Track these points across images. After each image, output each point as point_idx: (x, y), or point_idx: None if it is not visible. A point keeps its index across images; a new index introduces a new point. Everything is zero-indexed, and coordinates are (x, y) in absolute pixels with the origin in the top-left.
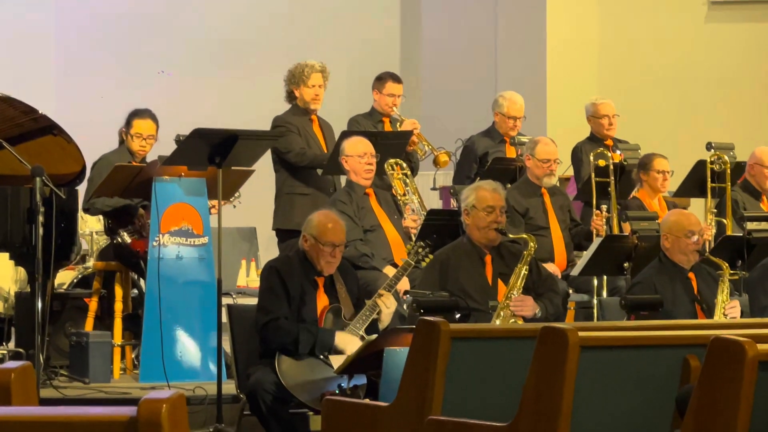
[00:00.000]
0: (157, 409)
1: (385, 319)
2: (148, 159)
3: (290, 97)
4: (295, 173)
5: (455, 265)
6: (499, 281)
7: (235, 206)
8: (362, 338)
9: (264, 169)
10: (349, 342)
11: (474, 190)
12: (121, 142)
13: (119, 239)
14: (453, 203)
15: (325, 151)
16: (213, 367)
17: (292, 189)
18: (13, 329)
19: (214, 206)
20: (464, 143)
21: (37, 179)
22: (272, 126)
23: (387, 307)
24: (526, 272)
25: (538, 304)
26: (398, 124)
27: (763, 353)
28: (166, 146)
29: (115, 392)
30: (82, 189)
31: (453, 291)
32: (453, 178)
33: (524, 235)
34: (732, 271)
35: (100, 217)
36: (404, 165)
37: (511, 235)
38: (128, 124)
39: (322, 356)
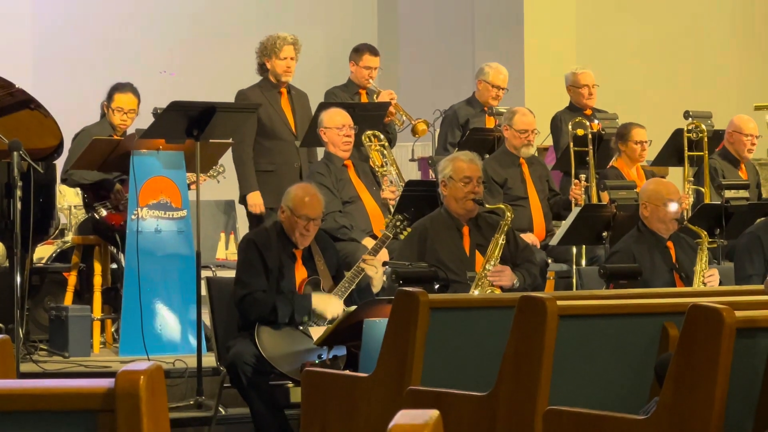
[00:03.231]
0: (134, 380)
1: (378, 283)
2: (129, 133)
3: (262, 69)
4: (259, 149)
5: (433, 237)
6: (477, 252)
7: (219, 181)
8: (340, 300)
9: None
10: (327, 302)
11: (451, 161)
12: (103, 115)
13: (95, 214)
14: (431, 174)
15: (292, 125)
16: (193, 340)
17: (257, 166)
18: None
19: (194, 183)
20: (444, 112)
21: (15, 154)
22: (235, 100)
23: (376, 270)
24: (503, 242)
25: (515, 275)
26: (375, 95)
27: (741, 320)
28: (144, 119)
29: (95, 366)
30: (60, 163)
31: (431, 262)
32: (435, 148)
33: (501, 205)
34: (710, 240)
35: (78, 191)
36: (382, 136)
37: (488, 206)
38: (110, 97)
39: (301, 327)
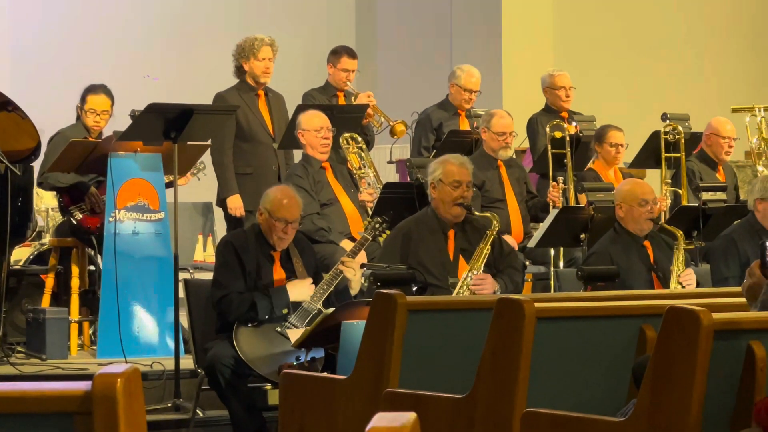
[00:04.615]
0: (111, 383)
1: (356, 285)
2: (105, 134)
3: (239, 71)
4: (237, 152)
5: (417, 239)
6: (461, 257)
7: (199, 178)
8: (319, 311)
9: None
10: (302, 289)
11: (441, 163)
12: (78, 117)
13: (71, 218)
14: (409, 176)
15: (270, 127)
16: (170, 342)
17: (234, 169)
18: None
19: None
20: (419, 116)
21: None
22: (213, 103)
23: (354, 272)
24: (488, 251)
25: (497, 282)
26: (353, 98)
27: (719, 322)
28: (121, 122)
29: (73, 368)
30: (37, 165)
31: (413, 265)
32: (410, 151)
33: (488, 214)
34: (688, 241)
35: (55, 193)
36: (359, 139)
37: (476, 213)
38: (83, 99)
39: (278, 329)
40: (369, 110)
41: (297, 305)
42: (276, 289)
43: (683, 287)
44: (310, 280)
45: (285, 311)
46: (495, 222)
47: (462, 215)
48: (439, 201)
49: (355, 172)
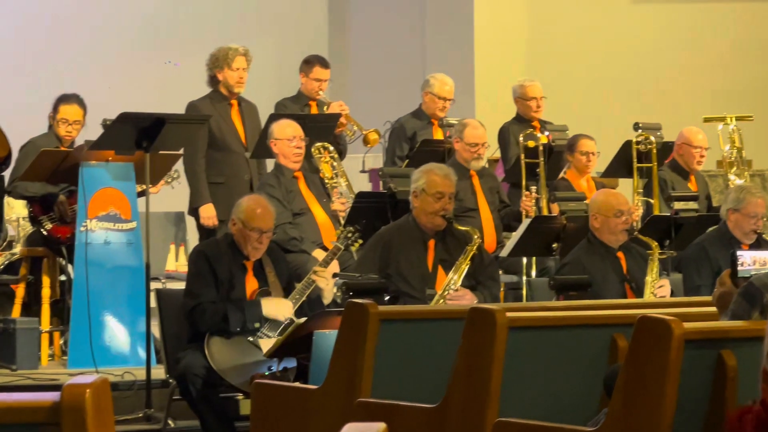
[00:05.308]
0: (80, 394)
1: (328, 295)
2: (77, 144)
3: (213, 81)
4: (209, 161)
5: (398, 247)
6: (440, 267)
7: (173, 186)
8: (292, 321)
9: None
10: (277, 306)
11: (425, 173)
12: (50, 126)
13: (41, 228)
14: (382, 186)
15: (243, 137)
16: (142, 352)
17: (207, 178)
18: None
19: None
20: (393, 125)
21: None
22: (185, 112)
23: (326, 282)
24: (467, 266)
25: (476, 295)
26: (325, 107)
27: (690, 332)
28: (93, 131)
29: (43, 379)
30: (7, 173)
31: (392, 273)
32: (383, 161)
33: (469, 228)
34: (661, 252)
35: (26, 203)
36: (331, 148)
37: (458, 227)
38: (55, 109)
39: (251, 339)
40: (342, 119)
41: (269, 319)
42: (250, 302)
43: (657, 297)
44: (289, 303)
45: (257, 325)
46: (476, 237)
47: (443, 226)
48: (420, 210)
49: (327, 181)
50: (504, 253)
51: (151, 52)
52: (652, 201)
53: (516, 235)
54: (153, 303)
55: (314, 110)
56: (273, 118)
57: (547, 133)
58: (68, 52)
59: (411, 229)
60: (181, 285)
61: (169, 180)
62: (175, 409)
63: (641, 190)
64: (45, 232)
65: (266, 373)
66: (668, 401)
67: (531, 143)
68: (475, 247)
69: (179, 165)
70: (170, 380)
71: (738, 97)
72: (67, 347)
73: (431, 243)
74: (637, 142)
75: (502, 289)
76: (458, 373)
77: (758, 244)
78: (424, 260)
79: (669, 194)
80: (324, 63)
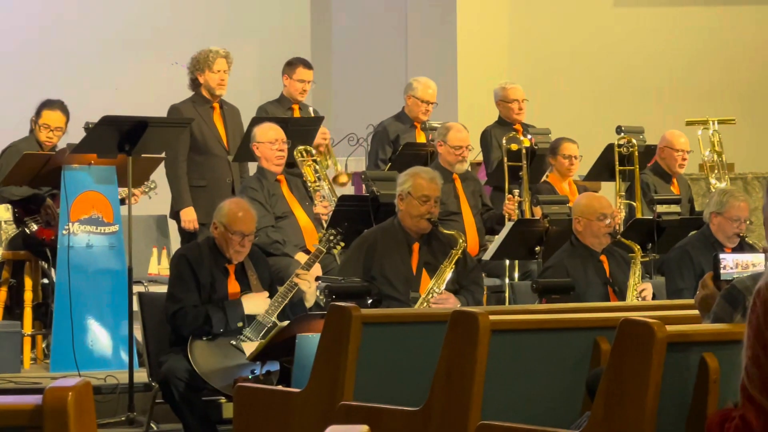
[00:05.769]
0: (62, 397)
1: (311, 298)
2: (59, 147)
3: (194, 84)
4: (191, 165)
5: (382, 250)
6: (424, 271)
7: (150, 197)
8: (274, 324)
9: None
10: (257, 302)
11: (411, 176)
12: (32, 131)
13: (26, 228)
14: (364, 189)
15: (225, 140)
16: (124, 356)
17: (188, 181)
18: None
19: (133, 195)
20: (375, 128)
21: None
22: (167, 115)
23: (309, 285)
24: (452, 270)
25: (459, 299)
26: (310, 109)
27: (672, 334)
28: (75, 134)
29: (25, 382)
30: None
31: (375, 275)
32: (366, 164)
33: (454, 232)
34: (643, 254)
35: (9, 206)
36: (314, 152)
37: (443, 230)
38: (38, 113)
39: (233, 342)
40: (321, 147)
41: (252, 318)
42: (230, 302)
43: (640, 300)
44: (266, 293)
45: (240, 324)
46: (461, 241)
47: (428, 229)
48: (405, 213)
49: (309, 184)
50: (486, 256)
51: (132, 56)
52: (634, 204)
53: (498, 239)
54: (135, 306)
55: (297, 114)
56: (255, 121)
57: (529, 136)
58: (50, 54)
59: (396, 231)
60: (163, 288)
61: (147, 190)
62: (158, 413)
63: (624, 194)
64: (29, 232)
65: (249, 377)
66: (650, 404)
67: (514, 146)
68: (460, 251)
69: (156, 174)
70: (153, 383)
71: (721, 101)
72: (50, 351)
73: (416, 246)
74: (620, 146)
75: (484, 292)
76: (441, 376)
77: (741, 248)
78: (408, 263)
79: (651, 197)
80: (307, 64)
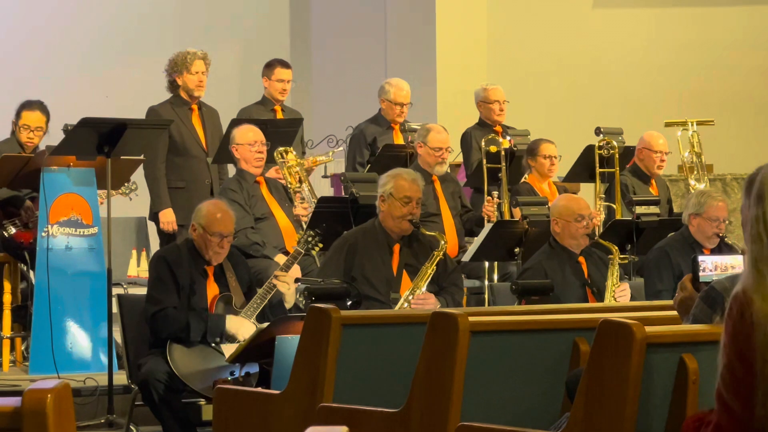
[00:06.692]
0: (41, 399)
1: (290, 299)
2: (42, 147)
3: (172, 86)
4: (170, 166)
5: (362, 251)
6: (405, 272)
7: (131, 199)
8: (253, 324)
9: None
10: (240, 325)
11: (393, 177)
12: (13, 132)
13: (4, 231)
14: (344, 191)
15: (203, 141)
16: (104, 358)
17: (167, 183)
18: None
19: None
20: (352, 132)
21: None
22: (146, 117)
23: (288, 286)
24: (432, 271)
25: (439, 300)
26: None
27: (651, 336)
28: (54, 136)
29: (4, 384)
30: None
31: (356, 276)
32: (345, 166)
33: (436, 234)
34: (622, 255)
35: None
36: (294, 153)
37: (424, 231)
38: (18, 115)
39: (213, 344)
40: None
41: (232, 338)
42: (214, 317)
43: (617, 301)
44: (253, 327)
45: (217, 340)
46: (443, 242)
47: (410, 231)
48: (387, 214)
49: (289, 186)
50: (466, 257)
51: (112, 58)
52: (614, 206)
53: (478, 240)
54: (115, 308)
55: (279, 115)
56: (234, 123)
57: (508, 137)
58: (29, 56)
59: (377, 233)
60: (142, 290)
61: (127, 192)
62: (138, 415)
63: (603, 195)
64: (7, 236)
65: (228, 378)
66: (630, 405)
67: (493, 148)
68: (441, 252)
69: (135, 176)
70: (132, 386)
71: (699, 102)
72: (29, 353)
73: (396, 247)
74: (599, 147)
75: (464, 294)
76: (420, 378)
77: (720, 249)
78: (389, 264)
79: (630, 199)
80: (285, 64)
